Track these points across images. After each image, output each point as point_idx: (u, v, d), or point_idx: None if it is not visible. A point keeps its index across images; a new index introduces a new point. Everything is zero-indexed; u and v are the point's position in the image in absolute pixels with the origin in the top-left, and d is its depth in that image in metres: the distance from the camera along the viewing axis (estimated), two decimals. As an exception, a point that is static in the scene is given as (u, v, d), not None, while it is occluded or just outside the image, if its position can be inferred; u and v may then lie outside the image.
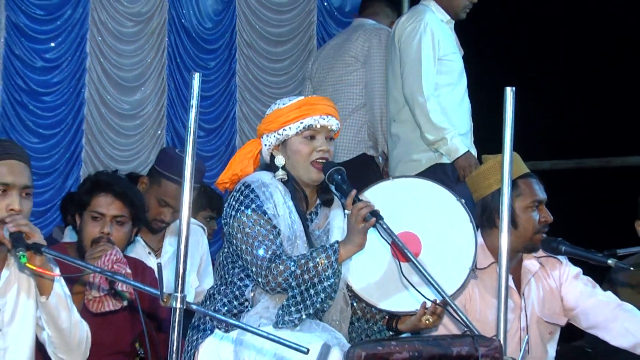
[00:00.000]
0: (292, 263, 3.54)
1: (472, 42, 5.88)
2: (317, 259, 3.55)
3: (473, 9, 5.75)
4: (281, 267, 3.54)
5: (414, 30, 5.58)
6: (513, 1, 5.78)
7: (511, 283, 4.19)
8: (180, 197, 2.99)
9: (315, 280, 3.54)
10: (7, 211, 3.37)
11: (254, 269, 3.59)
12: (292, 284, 3.53)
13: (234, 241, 3.64)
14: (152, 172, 4.93)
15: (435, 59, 5.54)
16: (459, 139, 5.41)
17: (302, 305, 3.54)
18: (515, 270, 4.26)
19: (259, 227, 3.59)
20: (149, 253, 4.78)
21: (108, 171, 4.48)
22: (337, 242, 3.60)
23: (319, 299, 3.55)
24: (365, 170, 5.96)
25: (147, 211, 4.50)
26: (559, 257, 4.34)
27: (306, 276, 3.53)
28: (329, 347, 3.34)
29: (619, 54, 8.01)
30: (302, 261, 3.55)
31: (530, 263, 4.30)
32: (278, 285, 3.55)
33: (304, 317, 3.53)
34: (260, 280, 3.58)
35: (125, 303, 3.90)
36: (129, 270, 3.94)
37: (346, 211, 3.65)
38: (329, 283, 3.55)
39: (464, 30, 5.82)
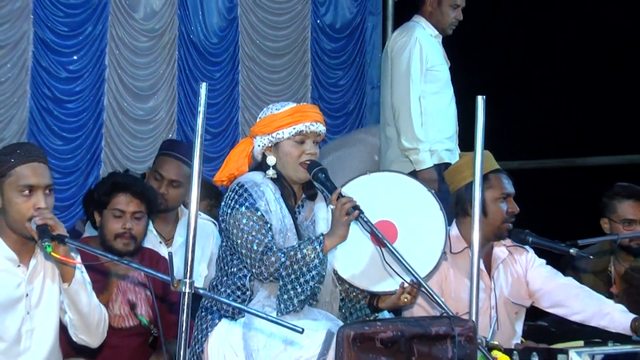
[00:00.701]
0: (282, 255, 3.56)
1: (454, 54, 5.89)
2: (305, 250, 3.56)
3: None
4: (272, 259, 3.55)
5: (405, 44, 5.59)
6: (484, 15, 5.77)
7: (483, 267, 4.23)
8: (190, 192, 3.01)
9: (304, 269, 3.55)
10: (35, 209, 3.38)
11: (248, 261, 3.60)
12: (283, 273, 3.54)
13: (231, 236, 3.65)
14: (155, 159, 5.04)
15: (422, 71, 5.54)
16: (428, 154, 5.43)
17: (293, 292, 3.55)
18: (487, 255, 4.31)
19: (252, 223, 3.60)
20: (160, 242, 4.78)
21: (121, 172, 4.50)
22: (322, 234, 3.62)
23: (309, 286, 3.56)
24: None
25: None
26: (525, 247, 4.36)
27: (295, 266, 3.54)
28: (332, 334, 3.35)
29: (577, 65, 8.01)
30: (292, 253, 3.56)
31: (500, 250, 4.34)
32: (270, 275, 3.56)
33: (296, 303, 3.53)
34: (254, 271, 3.59)
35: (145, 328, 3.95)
36: (148, 292, 3.97)
37: (330, 206, 3.66)
38: (316, 271, 3.56)
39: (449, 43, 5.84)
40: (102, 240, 4.19)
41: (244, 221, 3.60)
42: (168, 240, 4.84)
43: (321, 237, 3.59)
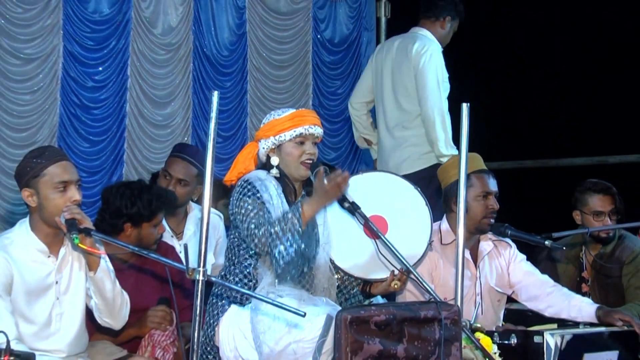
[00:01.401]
0: (270, 226, 3.52)
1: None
2: (289, 215, 3.51)
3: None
4: (263, 231, 3.52)
5: (430, 58, 5.37)
6: (463, 24, 5.75)
7: (470, 257, 4.23)
8: (202, 192, 2.99)
9: (289, 224, 3.50)
10: (71, 202, 3.40)
11: (248, 240, 3.60)
12: (276, 242, 3.50)
13: (238, 224, 3.64)
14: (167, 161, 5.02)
15: (444, 81, 5.41)
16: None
17: (282, 247, 3.51)
18: (473, 247, 4.30)
19: (253, 208, 3.59)
20: (172, 236, 4.79)
21: (136, 182, 4.43)
22: (300, 201, 3.61)
23: (296, 239, 3.51)
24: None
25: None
26: (509, 241, 4.36)
27: (279, 226, 3.51)
28: (331, 318, 3.34)
29: (552, 75, 8.00)
30: (277, 221, 3.53)
31: (486, 244, 4.34)
32: (264, 245, 3.53)
33: (291, 253, 3.50)
34: (253, 247, 3.59)
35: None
36: (175, 350, 3.92)
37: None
38: (297, 230, 3.51)
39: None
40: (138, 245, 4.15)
41: (248, 207, 3.60)
42: (179, 234, 4.84)
43: (299, 204, 3.57)
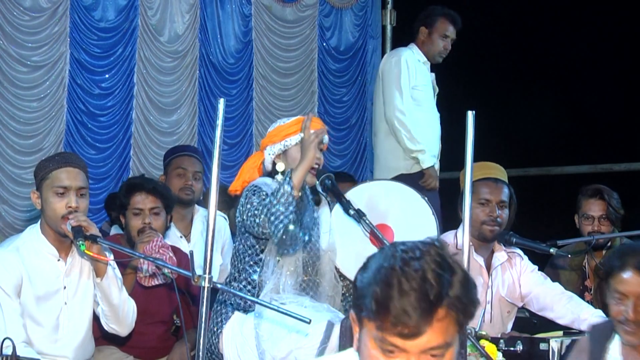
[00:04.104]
0: (265, 209, 3.47)
1: (440, 68, 5.90)
2: (280, 189, 3.45)
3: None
4: (262, 217, 3.48)
5: (395, 63, 5.64)
6: (467, 33, 5.79)
7: (483, 263, 4.22)
8: (209, 195, 2.99)
9: (280, 191, 3.45)
10: (67, 208, 3.40)
11: (251, 229, 3.55)
12: (271, 218, 3.44)
13: (246, 223, 3.59)
14: (164, 166, 5.06)
15: (409, 86, 5.59)
16: (428, 154, 5.47)
17: (279, 213, 3.45)
18: (488, 256, 4.29)
19: (257, 204, 3.54)
20: (181, 237, 4.79)
21: (137, 175, 4.50)
22: (291, 170, 3.55)
23: (291, 206, 3.45)
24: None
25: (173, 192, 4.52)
26: (520, 253, 4.36)
27: (273, 197, 3.47)
28: (332, 324, 3.33)
29: (554, 84, 8.00)
30: (268, 200, 3.48)
31: (499, 254, 4.34)
32: (264, 228, 3.48)
33: (289, 217, 3.44)
34: (257, 232, 3.54)
35: (168, 280, 3.91)
36: (171, 254, 3.94)
37: (300, 134, 3.67)
38: (290, 194, 3.46)
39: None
40: (127, 238, 4.17)
41: (255, 204, 3.55)
42: (187, 236, 4.85)
43: (289, 172, 3.53)
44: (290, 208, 3.43)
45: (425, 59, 5.76)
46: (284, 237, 3.46)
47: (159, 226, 4.16)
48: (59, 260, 3.50)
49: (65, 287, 3.50)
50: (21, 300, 3.40)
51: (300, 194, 3.51)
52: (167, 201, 4.24)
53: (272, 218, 3.43)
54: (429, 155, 5.58)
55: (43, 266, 3.47)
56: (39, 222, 3.56)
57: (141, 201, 4.14)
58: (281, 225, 3.43)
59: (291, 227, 3.46)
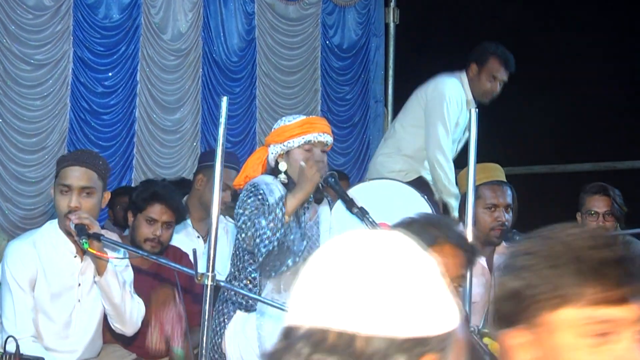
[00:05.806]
0: (253, 228, 3.48)
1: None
2: (277, 209, 3.47)
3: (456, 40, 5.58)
4: (249, 233, 3.50)
5: (440, 97, 5.25)
6: (472, 28, 5.76)
7: (485, 263, 4.21)
8: (211, 199, 2.98)
9: (272, 214, 3.46)
10: (68, 207, 3.41)
11: (238, 234, 3.58)
12: (257, 240, 3.46)
13: (240, 224, 3.59)
14: (207, 168, 4.82)
15: (452, 125, 5.27)
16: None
17: (265, 236, 3.48)
18: (490, 256, 4.26)
19: (253, 208, 3.54)
20: (198, 237, 4.78)
21: (159, 180, 4.47)
22: (284, 195, 3.55)
23: (278, 232, 3.46)
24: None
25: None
26: None
27: (265, 222, 3.46)
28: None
29: (557, 83, 7.98)
30: (257, 220, 3.48)
31: (502, 254, 4.30)
32: (249, 245, 3.51)
33: (274, 242, 3.46)
34: (242, 242, 3.56)
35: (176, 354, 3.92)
36: (183, 326, 3.89)
37: (301, 163, 3.62)
38: (279, 219, 3.47)
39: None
40: (131, 239, 4.17)
41: (248, 207, 3.55)
42: (204, 237, 4.84)
43: (284, 197, 3.53)
44: (278, 234, 3.46)
45: (470, 98, 5.36)
46: (261, 248, 3.48)
47: (167, 239, 4.18)
48: (75, 256, 3.52)
49: (80, 285, 3.52)
50: (35, 295, 3.43)
51: (290, 218, 3.52)
52: (180, 217, 4.29)
53: (258, 240, 3.47)
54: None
55: (59, 262, 3.50)
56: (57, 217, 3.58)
57: (158, 212, 4.13)
58: (264, 250, 3.46)
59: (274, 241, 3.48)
